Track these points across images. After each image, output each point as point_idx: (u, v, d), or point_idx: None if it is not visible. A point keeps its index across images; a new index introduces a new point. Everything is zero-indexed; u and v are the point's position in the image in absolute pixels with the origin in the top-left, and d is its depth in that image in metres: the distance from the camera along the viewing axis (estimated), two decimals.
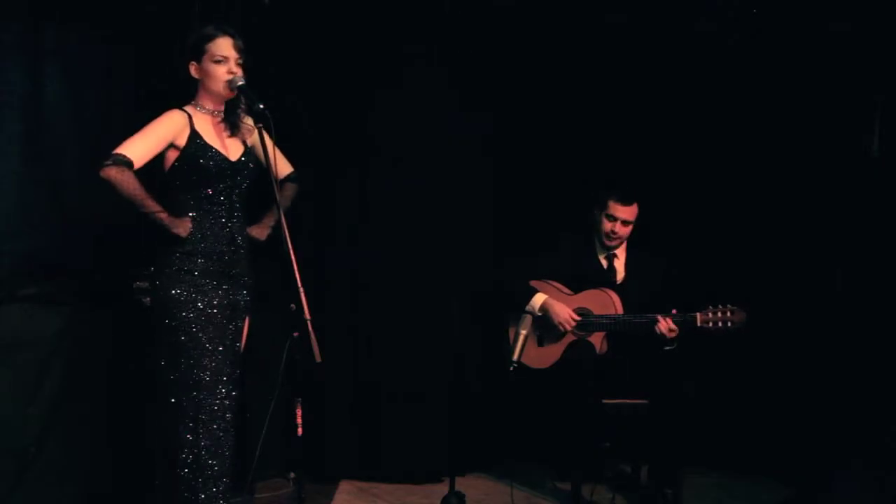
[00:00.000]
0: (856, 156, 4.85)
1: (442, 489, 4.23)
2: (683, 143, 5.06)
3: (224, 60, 3.30)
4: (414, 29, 4.64)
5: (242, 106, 3.37)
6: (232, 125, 3.39)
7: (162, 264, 3.32)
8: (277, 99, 3.40)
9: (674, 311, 4.26)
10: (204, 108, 3.37)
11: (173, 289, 3.28)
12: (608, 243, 4.50)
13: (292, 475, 4.55)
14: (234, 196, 3.39)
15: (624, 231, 4.47)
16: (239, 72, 3.31)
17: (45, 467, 3.71)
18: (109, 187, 3.13)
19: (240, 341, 3.46)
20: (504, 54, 4.88)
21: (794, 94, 4.89)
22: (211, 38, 3.30)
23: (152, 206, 3.20)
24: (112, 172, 3.13)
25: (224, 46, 3.30)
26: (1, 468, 3.62)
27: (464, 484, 4.37)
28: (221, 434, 3.31)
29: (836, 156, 4.86)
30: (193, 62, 3.32)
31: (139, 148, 3.20)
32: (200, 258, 3.31)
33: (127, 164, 3.16)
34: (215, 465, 3.30)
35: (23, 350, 3.67)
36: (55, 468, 3.74)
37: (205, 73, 3.31)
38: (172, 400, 3.27)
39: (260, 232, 3.53)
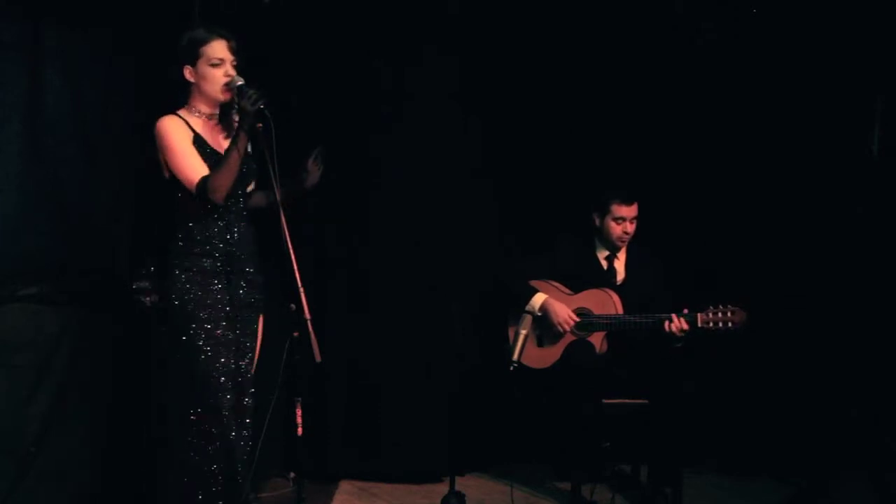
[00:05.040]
0: (856, 156, 4.85)
1: (442, 489, 4.23)
2: (683, 144, 5.06)
3: (220, 63, 3.27)
4: (414, 27, 4.63)
5: (238, 106, 3.34)
6: (228, 127, 3.37)
7: (167, 265, 3.31)
8: (277, 99, 3.38)
9: (685, 310, 4.26)
10: (199, 112, 3.34)
11: (179, 289, 3.27)
12: (621, 244, 4.51)
13: (292, 475, 4.55)
14: (234, 197, 3.37)
15: (633, 228, 4.48)
16: (235, 74, 3.28)
17: (45, 467, 3.70)
18: (224, 188, 3.21)
19: (254, 341, 3.44)
20: (505, 56, 4.87)
21: (795, 93, 4.90)
22: (205, 41, 3.27)
23: (231, 151, 3.21)
24: (217, 191, 3.20)
25: (219, 49, 3.27)
26: (1, 468, 3.62)
27: (463, 484, 4.36)
28: (232, 434, 3.29)
29: (837, 156, 4.86)
30: (188, 66, 3.29)
31: (195, 163, 3.24)
32: (205, 258, 3.30)
33: (206, 180, 3.21)
34: (222, 465, 3.28)
35: (23, 350, 3.67)
36: (55, 468, 3.73)
37: (201, 76, 3.28)
38: (179, 399, 3.27)
39: (260, 199, 3.54)
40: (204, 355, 3.25)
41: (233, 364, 3.32)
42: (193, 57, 3.28)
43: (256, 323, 3.46)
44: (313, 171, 3.54)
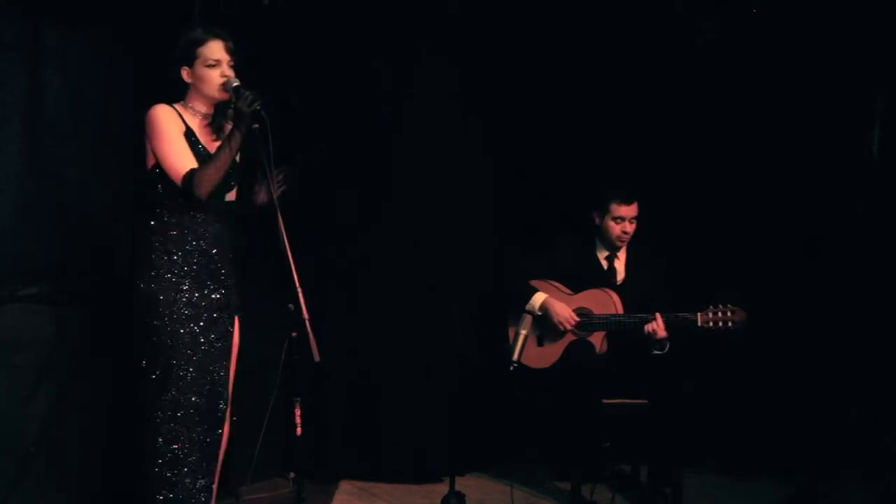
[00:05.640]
0: (856, 156, 4.85)
1: (442, 489, 4.23)
2: (683, 144, 5.06)
3: (217, 64, 3.26)
4: (414, 27, 4.64)
5: (234, 107, 3.33)
6: (218, 128, 3.35)
7: (144, 264, 3.30)
8: (277, 99, 3.39)
9: (658, 315, 4.27)
10: (195, 110, 3.34)
11: (155, 288, 3.26)
12: (620, 244, 4.51)
13: (292, 475, 4.55)
14: (214, 196, 3.33)
15: (632, 228, 4.49)
16: (232, 74, 3.27)
17: (45, 467, 3.70)
18: (210, 183, 3.19)
19: (229, 343, 3.42)
20: (504, 56, 4.87)
21: (795, 93, 4.89)
22: (202, 41, 3.27)
23: (224, 149, 3.20)
24: (202, 186, 3.18)
25: (216, 50, 3.27)
26: (1, 468, 3.62)
27: (463, 484, 4.36)
28: (206, 434, 3.29)
29: (837, 156, 4.86)
30: (185, 67, 3.29)
31: (183, 154, 3.22)
32: (183, 258, 3.29)
33: (193, 173, 3.19)
34: (199, 465, 3.27)
35: (23, 350, 3.67)
36: (55, 468, 3.73)
37: (198, 77, 3.28)
38: (153, 399, 3.25)
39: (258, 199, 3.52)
40: (170, 355, 3.24)
41: (207, 367, 3.30)
42: (190, 58, 3.27)
43: (231, 325, 3.43)
44: (261, 192, 3.49)
